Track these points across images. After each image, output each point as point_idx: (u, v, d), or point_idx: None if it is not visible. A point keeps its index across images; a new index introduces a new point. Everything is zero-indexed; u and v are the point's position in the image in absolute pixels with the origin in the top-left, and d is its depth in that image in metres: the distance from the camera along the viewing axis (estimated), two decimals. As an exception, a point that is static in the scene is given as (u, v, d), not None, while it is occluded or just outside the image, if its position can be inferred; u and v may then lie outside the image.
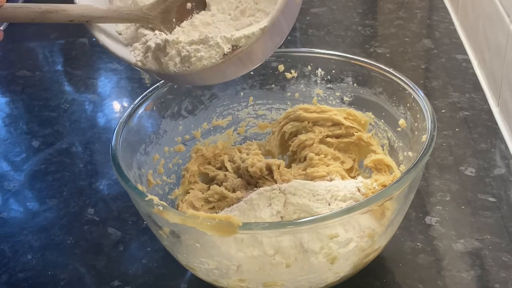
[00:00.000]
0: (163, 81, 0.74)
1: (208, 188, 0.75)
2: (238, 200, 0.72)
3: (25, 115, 1.06)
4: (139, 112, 0.72)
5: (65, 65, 1.20)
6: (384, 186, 0.69)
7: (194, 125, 0.80)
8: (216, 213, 0.70)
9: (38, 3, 0.57)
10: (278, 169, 0.75)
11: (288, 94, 0.82)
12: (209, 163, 0.79)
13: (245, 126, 0.83)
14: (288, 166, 0.79)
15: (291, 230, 0.59)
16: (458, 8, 1.17)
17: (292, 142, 0.80)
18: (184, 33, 0.61)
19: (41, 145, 0.97)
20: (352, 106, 0.79)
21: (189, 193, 0.76)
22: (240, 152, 0.79)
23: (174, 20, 0.62)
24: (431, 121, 0.66)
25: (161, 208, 0.58)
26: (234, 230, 0.55)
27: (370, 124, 0.78)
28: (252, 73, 0.80)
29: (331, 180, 0.74)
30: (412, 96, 0.70)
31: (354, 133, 0.78)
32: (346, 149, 0.79)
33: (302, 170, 0.77)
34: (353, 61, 0.77)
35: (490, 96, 0.96)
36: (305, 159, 0.78)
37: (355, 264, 0.64)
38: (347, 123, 0.78)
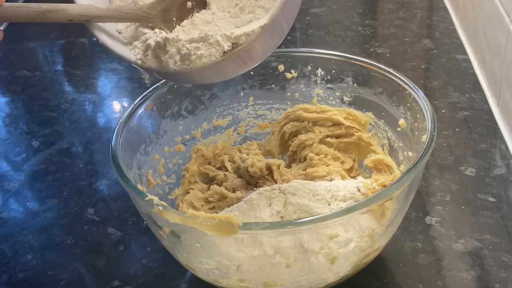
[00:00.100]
0: (163, 81, 0.74)
1: (208, 188, 0.75)
2: (238, 200, 0.72)
3: (25, 115, 1.06)
4: (139, 112, 0.72)
5: (65, 65, 1.20)
6: (384, 186, 0.69)
7: (194, 125, 0.80)
8: (216, 213, 0.70)
9: (38, 2, 0.57)
10: (278, 169, 0.75)
11: (288, 94, 0.82)
12: (209, 163, 0.79)
13: (245, 126, 0.83)
14: (288, 166, 0.79)
15: (291, 230, 0.59)
16: (458, 8, 1.17)
17: (292, 142, 0.80)
18: (185, 32, 0.61)
19: (41, 145, 0.97)
20: (352, 106, 0.79)
21: (189, 193, 0.76)
22: (240, 152, 0.79)
23: (174, 19, 0.62)
24: (431, 121, 0.66)
25: (161, 208, 0.58)
26: (234, 230, 0.55)
27: (370, 124, 0.78)
28: (252, 73, 0.80)
29: (331, 180, 0.74)
30: (412, 96, 0.70)
31: (354, 133, 0.78)
32: (346, 149, 0.79)
33: (302, 170, 0.77)
34: (353, 61, 0.77)
35: (490, 96, 0.96)
36: (305, 159, 0.78)
37: (355, 264, 0.64)
38: (347, 123, 0.78)
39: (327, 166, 0.76)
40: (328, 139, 0.79)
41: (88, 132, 0.99)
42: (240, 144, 0.83)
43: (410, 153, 0.71)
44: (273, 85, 0.82)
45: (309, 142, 0.79)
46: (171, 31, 0.62)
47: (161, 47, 0.59)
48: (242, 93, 0.82)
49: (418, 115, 0.69)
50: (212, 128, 0.81)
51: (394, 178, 0.71)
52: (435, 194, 0.79)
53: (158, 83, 0.75)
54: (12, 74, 1.16)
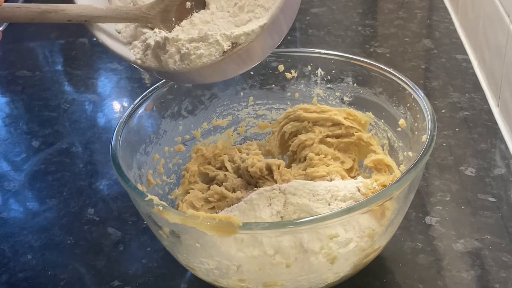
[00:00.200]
0: (163, 81, 0.74)
1: (208, 188, 0.75)
2: (238, 200, 0.72)
3: (25, 115, 1.06)
4: (139, 112, 0.72)
5: (65, 65, 1.20)
6: (384, 186, 0.69)
7: (194, 125, 0.80)
8: (216, 213, 0.70)
9: (37, 3, 0.57)
10: (278, 169, 0.75)
11: (288, 94, 0.82)
12: (209, 163, 0.79)
13: (245, 126, 0.83)
14: (288, 166, 0.79)
15: (291, 230, 0.59)
16: (458, 8, 1.17)
17: (292, 142, 0.80)
18: (184, 32, 0.61)
19: (41, 145, 0.97)
20: (352, 106, 0.79)
21: (189, 193, 0.76)
22: (240, 152, 0.79)
23: (173, 19, 0.62)
24: (431, 121, 0.66)
25: (161, 208, 0.58)
26: (234, 230, 0.55)
27: (370, 124, 0.78)
28: (252, 73, 0.80)
29: (331, 180, 0.74)
30: (412, 96, 0.70)
31: (354, 133, 0.78)
32: (346, 149, 0.79)
33: (302, 170, 0.77)
34: (353, 61, 0.77)
35: (490, 96, 0.96)
36: (305, 159, 0.78)
37: (355, 264, 0.64)
38: (347, 123, 0.78)
39: (327, 166, 0.76)
40: (328, 139, 0.79)
41: (88, 132, 0.99)
42: (240, 144, 0.83)
43: (410, 153, 0.71)
44: (273, 85, 0.82)
45: (309, 142, 0.79)
46: (170, 31, 0.62)
47: (160, 46, 0.59)
48: (242, 93, 0.82)
49: (418, 115, 0.69)
50: (212, 128, 0.81)
51: (394, 178, 0.71)
52: (435, 194, 0.79)
53: (158, 83, 0.75)
54: (12, 74, 1.16)
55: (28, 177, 0.90)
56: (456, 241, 0.72)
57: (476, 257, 0.70)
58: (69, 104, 1.06)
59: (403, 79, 0.72)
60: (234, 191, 0.74)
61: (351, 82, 0.78)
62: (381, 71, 0.75)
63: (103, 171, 0.90)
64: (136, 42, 0.61)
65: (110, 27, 0.63)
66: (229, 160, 0.78)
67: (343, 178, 0.75)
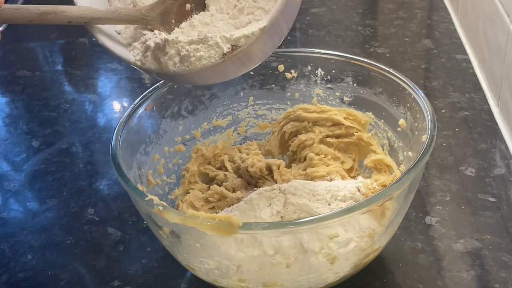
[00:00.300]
0: (163, 81, 0.74)
1: (208, 188, 0.75)
2: (238, 200, 0.72)
3: (25, 115, 1.06)
4: (139, 112, 0.72)
5: (65, 65, 1.20)
6: (384, 186, 0.69)
7: (194, 125, 0.80)
8: (216, 213, 0.70)
9: (37, 4, 0.57)
10: (278, 169, 0.75)
11: (288, 94, 0.82)
12: (209, 163, 0.79)
13: (245, 126, 0.83)
14: (288, 166, 0.79)
15: (291, 230, 0.59)
16: (458, 8, 1.17)
17: (292, 142, 0.80)
18: (183, 34, 0.61)
19: (41, 145, 0.97)
20: (352, 106, 0.79)
21: (189, 193, 0.76)
22: (240, 152, 0.79)
23: (173, 21, 0.62)
24: (431, 121, 0.66)
25: (161, 208, 0.58)
26: (234, 230, 0.55)
27: (370, 124, 0.78)
28: (252, 73, 0.80)
29: (331, 180, 0.74)
30: (412, 96, 0.70)
31: (354, 133, 0.78)
32: (346, 149, 0.79)
33: (302, 170, 0.77)
34: (353, 61, 0.77)
35: (490, 96, 0.96)
36: (305, 159, 0.78)
37: (355, 264, 0.64)
38: (347, 123, 0.78)
39: (327, 166, 0.76)
40: (328, 139, 0.79)
41: (88, 132, 0.99)
42: (240, 144, 0.83)
43: (410, 153, 0.71)
44: (273, 85, 0.82)
45: (309, 142, 0.79)
46: (169, 33, 0.62)
47: (160, 48, 0.59)
48: (242, 93, 0.82)
49: (418, 115, 0.69)
50: (212, 128, 0.81)
51: (394, 178, 0.71)
52: (435, 194, 0.79)
53: (158, 83, 0.75)
54: (12, 74, 1.16)
55: (28, 177, 0.90)
56: (456, 241, 0.72)
57: (476, 257, 0.70)
58: (69, 104, 1.06)
59: (403, 79, 0.72)
60: (234, 191, 0.74)
61: (351, 82, 0.78)
62: (381, 71, 0.75)
63: (103, 171, 0.90)
64: (136, 44, 0.61)
65: (110, 28, 0.63)
66: (229, 160, 0.78)
67: (343, 178, 0.75)
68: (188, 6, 0.62)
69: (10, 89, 1.13)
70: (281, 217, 0.67)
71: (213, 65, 0.57)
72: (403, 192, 0.61)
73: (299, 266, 0.61)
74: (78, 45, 1.24)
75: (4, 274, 0.74)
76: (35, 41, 1.28)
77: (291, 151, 0.80)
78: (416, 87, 0.70)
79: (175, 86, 0.76)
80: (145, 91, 0.74)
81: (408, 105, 0.71)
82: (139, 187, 0.65)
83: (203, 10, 0.63)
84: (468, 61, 1.05)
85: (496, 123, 0.90)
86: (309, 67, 0.80)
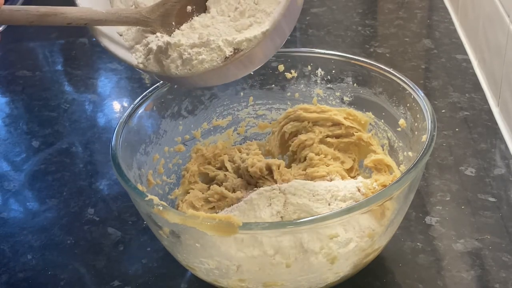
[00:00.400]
0: (163, 81, 0.74)
1: (208, 188, 0.75)
2: (238, 200, 0.72)
3: (25, 115, 1.06)
4: (139, 112, 0.72)
5: (65, 65, 1.20)
6: (384, 186, 0.69)
7: (194, 125, 0.80)
8: (216, 213, 0.70)
9: (37, 5, 0.57)
10: (278, 169, 0.75)
11: (288, 94, 0.82)
12: (209, 163, 0.79)
13: (245, 126, 0.83)
14: (288, 166, 0.79)
15: (291, 230, 0.59)
16: (458, 8, 1.17)
17: (292, 142, 0.80)
18: (184, 35, 0.61)
19: (41, 145, 0.97)
20: (352, 106, 0.79)
21: (189, 193, 0.76)
22: (240, 152, 0.79)
23: (173, 23, 0.62)
24: (431, 121, 0.66)
25: (161, 208, 0.58)
26: (234, 230, 0.55)
27: (370, 124, 0.78)
28: (252, 73, 0.79)
29: (331, 180, 0.74)
30: (412, 96, 0.70)
31: (354, 133, 0.78)
32: (346, 149, 0.79)
33: (302, 170, 0.77)
34: (353, 61, 0.77)
35: (490, 96, 0.96)
36: (305, 159, 0.78)
37: (355, 264, 0.64)
38: (347, 123, 0.78)
39: (327, 166, 0.76)
40: (328, 139, 0.79)
41: (88, 132, 0.99)
42: (240, 144, 0.83)
43: (410, 153, 0.71)
44: (273, 85, 0.82)
45: (309, 142, 0.79)
46: (170, 35, 0.62)
47: (163, 51, 0.59)
48: (242, 93, 0.82)
49: (418, 115, 0.69)
50: (212, 128, 0.81)
51: (394, 178, 0.71)
52: (435, 194, 0.79)
53: (158, 83, 0.75)
54: (12, 74, 1.16)
55: (28, 177, 0.90)
56: (456, 241, 0.72)
57: (476, 257, 0.70)
58: (69, 104, 1.06)
59: (403, 79, 0.72)
60: (234, 191, 0.74)
61: (351, 82, 0.78)
62: (381, 71, 0.75)
63: (103, 171, 0.90)
64: (138, 46, 0.61)
65: (112, 30, 0.63)
66: (229, 160, 0.78)
67: (343, 178, 0.75)
68: (189, 8, 0.62)
69: (10, 89, 1.13)
70: (281, 217, 0.67)
71: (215, 68, 0.57)
72: (403, 192, 0.61)
73: (299, 266, 0.61)
74: (78, 45, 1.24)
75: (4, 274, 0.74)
76: (35, 41, 1.28)
77: (291, 151, 0.80)
78: (416, 87, 0.70)
79: (175, 86, 0.76)
80: (145, 91, 0.74)
81: (408, 105, 0.71)
82: (139, 187, 0.65)
83: (204, 12, 0.63)
84: (468, 61, 1.05)
85: (496, 123, 0.90)
86: (309, 67, 0.80)
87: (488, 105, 0.94)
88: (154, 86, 0.75)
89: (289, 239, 0.60)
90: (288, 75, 0.81)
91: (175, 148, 0.78)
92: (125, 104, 1.07)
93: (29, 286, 0.73)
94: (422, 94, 0.69)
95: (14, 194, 0.87)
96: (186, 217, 0.57)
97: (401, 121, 0.73)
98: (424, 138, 0.64)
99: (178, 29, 0.62)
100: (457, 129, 0.90)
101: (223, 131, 0.82)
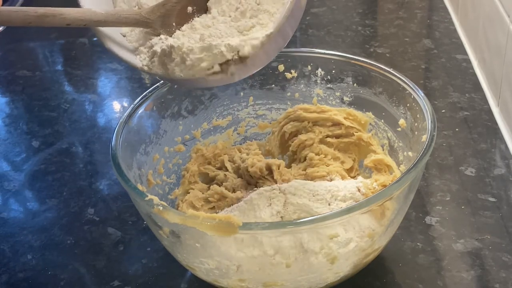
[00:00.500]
0: (163, 81, 0.74)
1: (208, 188, 0.75)
2: (238, 200, 0.72)
3: (25, 115, 1.06)
4: (139, 112, 0.72)
5: (65, 65, 1.20)
6: (384, 186, 0.69)
7: (194, 125, 0.80)
8: (216, 213, 0.70)
9: (37, 5, 0.57)
10: (278, 169, 0.75)
11: (288, 94, 0.82)
12: (209, 163, 0.79)
13: (245, 126, 0.83)
14: (288, 166, 0.79)
15: (291, 230, 0.59)
16: (458, 8, 1.17)
17: (292, 142, 0.80)
18: (185, 36, 0.61)
19: (41, 145, 0.97)
20: (352, 106, 0.79)
21: (189, 193, 0.76)
22: (240, 152, 0.79)
23: (174, 24, 0.62)
24: (431, 121, 0.66)
25: (161, 208, 0.58)
26: (234, 230, 0.55)
27: (370, 124, 0.78)
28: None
29: (331, 180, 0.74)
30: (412, 96, 0.70)
31: (354, 133, 0.78)
32: (346, 149, 0.79)
33: (302, 170, 0.77)
34: (353, 61, 0.77)
35: (490, 96, 0.96)
36: (305, 159, 0.78)
37: (355, 264, 0.64)
38: (347, 123, 0.78)
39: (327, 166, 0.76)
40: (328, 139, 0.79)
41: (88, 132, 0.99)
42: (240, 144, 0.83)
43: (410, 153, 0.71)
44: (273, 85, 0.81)
45: (309, 142, 0.79)
46: (170, 36, 0.61)
47: (167, 54, 0.59)
48: (242, 93, 0.82)
49: (418, 115, 0.69)
50: (212, 128, 0.81)
51: (394, 178, 0.71)
52: (435, 194, 0.79)
53: (158, 83, 0.75)
54: (12, 74, 1.16)
55: (28, 177, 0.90)
56: (456, 241, 0.72)
57: (476, 257, 0.70)
58: (69, 104, 1.06)
59: (403, 79, 0.72)
60: (234, 191, 0.74)
61: (351, 82, 0.78)
62: (381, 71, 0.75)
63: (103, 171, 0.90)
64: (142, 48, 0.61)
65: (115, 31, 0.62)
66: (229, 160, 0.78)
67: (343, 178, 0.75)
68: (189, 8, 0.62)
69: (10, 89, 1.13)
70: (281, 217, 0.67)
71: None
72: (403, 192, 0.61)
73: (299, 266, 0.61)
74: (78, 45, 1.24)
75: (4, 274, 0.74)
76: (35, 41, 1.28)
77: (291, 151, 0.80)
78: (416, 87, 0.70)
79: (176, 86, 0.76)
80: (145, 91, 0.74)
81: (408, 105, 0.71)
82: (139, 187, 0.65)
83: (205, 13, 0.63)
84: (468, 61, 1.05)
85: (496, 123, 0.90)
86: (309, 67, 0.80)
87: (488, 105, 0.94)
88: (154, 86, 0.75)
89: (289, 239, 0.60)
90: (288, 75, 0.81)
91: (175, 148, 0.78)
92: (125, 104, 1.07)
93: (29, 286, 0.73)
94: (422, 94, 0.69)
95: (14, 194, 0.87)
96: (186, 217, 0.57)
97: (401, 121, 0.73)
98: (424, 138, 0.64)
99: (179, 29, 0.62)
100: (457, 129, 0.90)
101: (223, 131, 0.82)
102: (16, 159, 0.94)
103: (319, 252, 0.60)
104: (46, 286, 0.73)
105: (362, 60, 0.77)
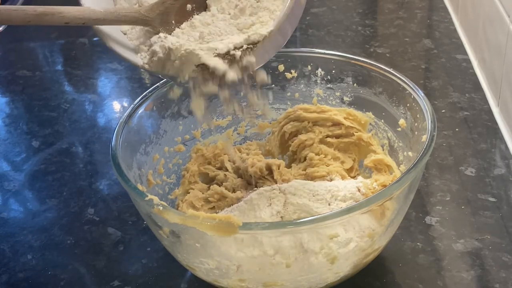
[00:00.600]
0: (163, 81, 0.74)
1: (208, 188, 0.75)
2: (238, 200, 0.72)
3: (25, 115, 1.06)
4: (139, 112, 0.72)
5: (65, 65, 1.20)
6: (384, 186, 0.69)
7: (194, 125, 0.80)
8: (216, 213, 0.70)
9: (37, 5, 0.57)
10: (278, 169, 0.75)
11: (288, 94, 0.82)
12: (209, 163, 0.79)
13: (245, 126, 0.83)
14: (288, 166, 0.79)
15: (291, 230, 0.59)
16: (458, 8, 1.17)
17: (292, 142, 0.80)
18: (184, 34, 0.61)
19: (41, 145, 0.97)
20: (352, 106, 0.79)
21: (189, 193, 0.76)
22: (240, 152, 0.79)
23: (173, 22, 0.61)
24: (431, 121, 0.66)
25: (161, 208, 0.58)
26: (234, 230, 0.55)
27: (370, 124, 0.78)
28: (252, 73, 0.80)
29: (331, 180, 0.74)
30: (412, 96, 0.70)
31: (354, 133, 0.78)
32: (346, 149, 0.79)
33: (302, 170, 0.77)
34: (353, 61, 0.77)
35: (490, 96, 0.96)
36: (305, 159, 0.78)
37: (355, 264, 0.64)
38: (347, 123, 0.78)
39: (327, 166, 0.76)
40: (328, 139, 0.79)
41: (88, 132, 0.99)
42: (240, 144, 0.83)
43: (410, 153, 0.71)
44: (273, 85, 0.81)
45: (309, 142, 0.79)
46: (170, 34, 0.61)
47: (165, 55, 0.59)
48: (242, 93, 0.82)
49: (418, 115, 0.69)
50: (212, 128, 0.81)
51: (394, 178, 0.71)
52: (435, 194, 0.79)
53: (158, 83, 0.75)
54: (12, 74, 1.16)
55: (28, 177, 0.90)
56: (456, 241, 0.72)
57: (476, 257, 0.70)
58: (69, 104, 1.06)
59: (403, 79, 0.72)
60: (234, 191, 0.74)
61: (351, 82, 0.78)
62: (381, 71, 0.75)
63: (103, 171, 0.90)
64: (142, 46, 0.61)
65: (116, 29, 0.62)
66: (229, 160, 0.78)
67: (343, 178, 0.75)
68: (189, 6, 0.62)
69: (10, 89, 1.13)
70: (281, 217, 0.67)
71: None
72: (403, 192, 0.61)
73: (299, 266, 0.61)
74: (78, 45, 1.24)
75: (4, 274, 0.74)
76: (35, 41, 1.28)
77: (291, 151, 0.80)
78: (416, 87, 0.70)
79: (175, 86, 0.76)
80: (145, 91, 0.74)
81: (408, 105, 0.71)
82: (139, 187, 0.65)
83: (205, 11, 0.63)
84: (468, 61, 1.05)
85: (496, 123, 0.90)
86: (309, 67, 0.80)
87: (488, 105, 0.94)
88: (154, 86, 0.75)
89: (289, 239, 0.60)
90: (288, 75, 0.81)
91: (175, 148, 0.78)
92: (125, 104, 1.07)
93: (29, 286, 0.73)
94: (422, 94, 0.69)
95: (14, 194, 0.87)
96: (186, 217, 0.57)
97: (401, 121, 0.73)
98: (424, 138, 0.64)
99: (178, 27, 0.62)
100: (457, 129, 0.90)
101: (223, 131, 0.82)
102: (16, 159, 0.94)
103: (319, 252, 0.60)
104: (46, 286, 0.73)
105: (362, 60, 0.77)
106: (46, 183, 0.89)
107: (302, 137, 0.79)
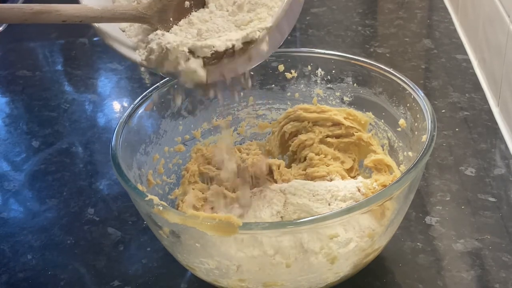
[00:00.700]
0: (163, 81, 0.74)
1: (208, 188, 0.75)
2: (238, 200, 0.72)
3: (25, 115, 1.06)
4: (139, 112, 0.72)
5: (65, 65, 1.20)
6: (384, 186, 0.69)
7: (194, 125, 0.80)
8: (216, 213, 0.70)
9: (36, 3, 0.57)
10: (278, 169, 0.75)
11: (288, 94, 0.82)
12: (209, 163, 0.79)
13: (245, 126, 0.83)
14: (288, 166, 0.79)
15: (291, 230, 0.59)
16: (458, 8, 1.17)
17: (292, 142, 0.80)
18: (182, 31, 0.61)
19: (41, 145, 0.97)
20: (352, 106, 0.79)
21: (189, 193, 0.75)
22: (240, 152, 0.79)
23: (171, 19, 0.61)
24: (431, 121, 0.66)
25: (161, 208, 0.58)
26: (234, 230, 0.55)
27: (370, 124, 0.78)
28: (252, 73, 0.80)
29: (331, 180, 0.74)
30: (412, 96, 0.70)
31: (354, 133, 0.78)
32: (346, 149, 0.79)
33: (302, 170, 0.77)
34: (353, 61, 0.77)
35: (490, 96, 0.96)
36: (305, 159, 0.78)
37: (355, 264, 0.64)
38: (347, 123, 0.78)
39: (327, 166, 0.76)
40: (328, 139, 0.79)
41: (88, 132, 0.99)
42: (240, 144, 0.83)
43: (410, 153, 0.71)
44: (273, 85, 0.81)
45: (309, 142, 0.79)
46: (168, 31, 0.61)
47: (163, 53, 0.59)
48: (242, 93, 0.82)
49: (418, 115, 0.69)
50: (212, 128, 0.81)
51: (394, 178, 0.71)
52: (435, 194, 0.79)
53: (158, 83, 0.75)
54: (12, 74, 1.16)
55: (28, 177, 0.90)
56: (456, 241, 0.72)
57: (476, 257, 0.70)
58: (69, 104, 1.06)
59: (403, 79, 0.72)
60: (234, 191, 0.74)
61: (351, 82, 0.78)
62: (381, 71, 0.75)
63: (103, 171, 0.90)
64: (141, 43, 0.61)
65: (115, 27, 0.62)
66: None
67: (343, 178, 0.75)
68: (187, 3, 0.62)
69: (10, 89, 1.13)
70: (281, 217, 0.67)
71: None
72: (403, 192, 0.61)
73: (299, 266, 0.61)
74: (78, 45, 1.24)
75: (4, 274, 0.74)
76: (35, 41, 1.28)
77: (291, 151, 0.80)
78: (416, 87, 0.70)
79: (175, 86, 0.76)
80: (145, 91, 0.74)
81: (408, 105, 0.71)
82: (139, 187, 0.65)
83: (203, 7, 0.63)
84: (468, 61, 1.05)
85: (496, 123, 0.90)
86: (309, 67, 0.80)
87: (488, 105, 0.94)
88: (154, 86, 0.75)
89: (289, 239, 0.60)
90: (288, 75, 0.81)
91: (175, 148, 0.78)
92: (125, 104, 1.07)
93: (29, 286, 0.73)
94: (422, 94, 0.69)
95: (14, 194, 0.87)
96: (186, 217, 0.57)
97: (401, 121, 0.73)
98: (424, 138, 0.64)
99: (176, 25, 0.62)
100: (457, 129, 0.90)
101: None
102: (16, 159, 0.94)
103: (319, 252, 0.60)
104: (46, 286, 0.73)
105: (362, 60, 0.77)
106: (46, 183, 0.89)
107: (302, 137, 0.79)
